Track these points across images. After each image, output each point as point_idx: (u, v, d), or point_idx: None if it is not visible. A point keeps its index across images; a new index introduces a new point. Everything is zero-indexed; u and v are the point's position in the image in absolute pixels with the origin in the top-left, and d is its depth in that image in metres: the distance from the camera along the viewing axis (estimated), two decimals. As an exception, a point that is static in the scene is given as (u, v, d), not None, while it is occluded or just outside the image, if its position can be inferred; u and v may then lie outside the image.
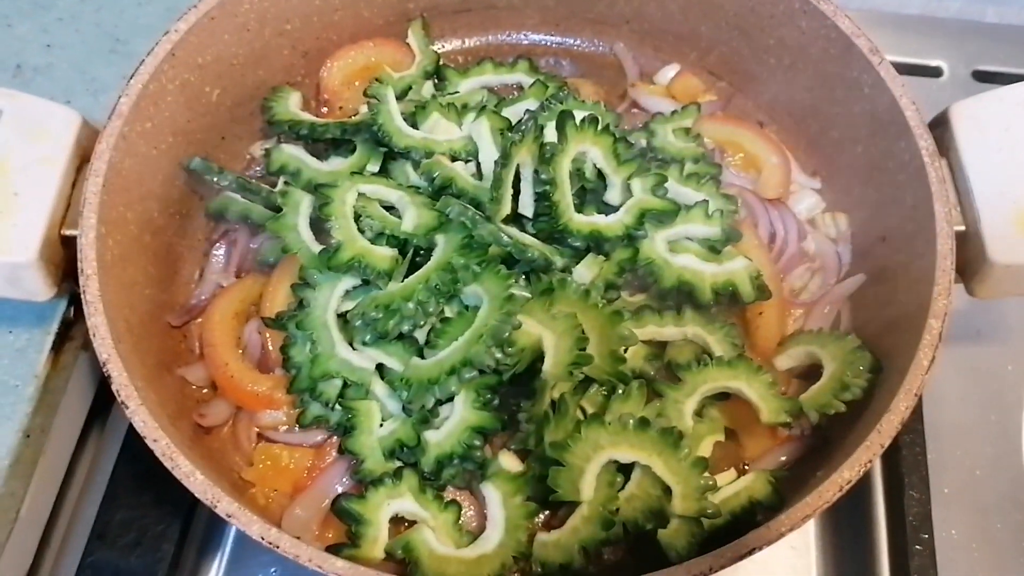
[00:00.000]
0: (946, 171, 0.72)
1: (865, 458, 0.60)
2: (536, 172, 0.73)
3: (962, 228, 0.70)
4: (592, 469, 0.64)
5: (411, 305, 0.66)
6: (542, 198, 0.72)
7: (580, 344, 0.66)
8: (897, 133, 0.72)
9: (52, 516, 0.76)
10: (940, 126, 0.74)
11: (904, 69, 0.99)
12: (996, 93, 0.73)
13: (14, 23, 0.91)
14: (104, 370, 0.62)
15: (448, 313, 0.69)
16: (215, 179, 0.77)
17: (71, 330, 0.76)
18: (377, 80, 0.86)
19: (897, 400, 0.61)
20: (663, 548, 0.64)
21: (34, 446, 0.72)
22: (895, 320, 0.70)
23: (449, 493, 0.69)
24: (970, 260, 0.70)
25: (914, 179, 0.71)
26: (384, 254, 0.68)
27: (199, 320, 0.77)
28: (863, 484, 0.77)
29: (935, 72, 1.00)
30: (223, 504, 0.58)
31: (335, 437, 0.71)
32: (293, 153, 0.80)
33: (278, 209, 0.72)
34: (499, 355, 0.64)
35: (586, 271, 0.71)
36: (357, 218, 0.69)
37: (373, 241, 0.69)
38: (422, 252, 0.70)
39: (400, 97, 0.85)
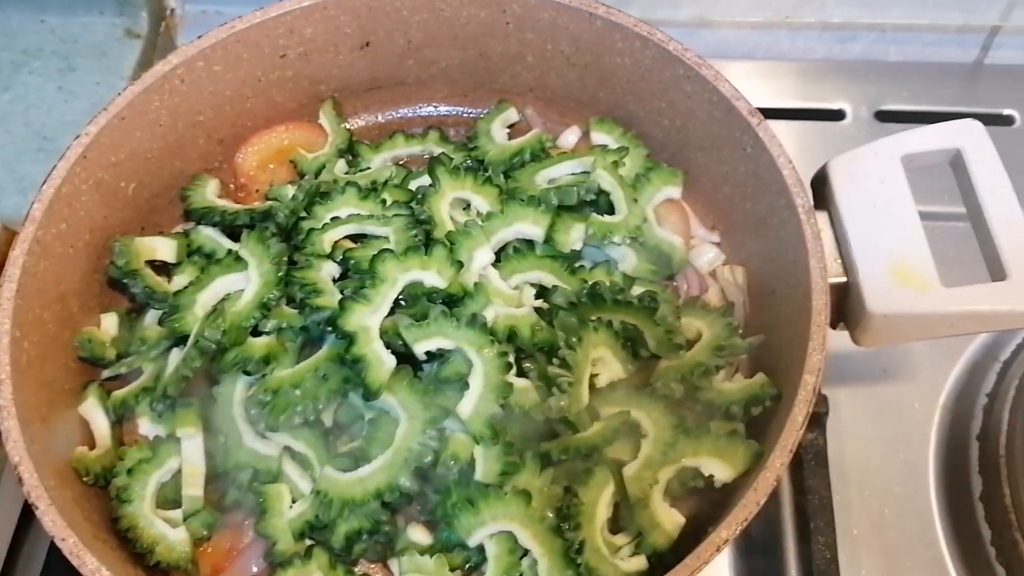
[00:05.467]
0: (826, 225, 0.74)
1: (742, 516, 0.62)
2: (412, 212, 0.77)
3: (843, 280, 0.73)
4: (489, 540, 0.67)
5: (298, 392, 0.69)
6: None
7: (508, 451, 0.68)
8: (777, 191, 0.75)
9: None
10: (821, 181, 0.77)
11: (807, 114, 1.04)
12: (872, 147, 0.76)
13: (-52, 127, 0.96)
14: (15, 473, 0.65)
15: (370, 415, 0.71)
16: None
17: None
18: (293, 162, 0.90)
19: (773, 457, 0.63)
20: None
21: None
22: (782, 374, 0.72)
23: (362, 567, 0.71)
24: (852, 311, 0.72)
25: (793, 235, 0.73)
26: (260, 342, 0.71)
27: (123, 409, 0.79)
28: (773, 530, 0.80)
29: (838, 115, 1.03)
30: (126, 600, 0.60)
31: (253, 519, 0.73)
32: (209, 235, 0.84)
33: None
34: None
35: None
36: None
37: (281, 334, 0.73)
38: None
39: (315, 176, 0.89)
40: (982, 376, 0.85)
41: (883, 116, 1.02)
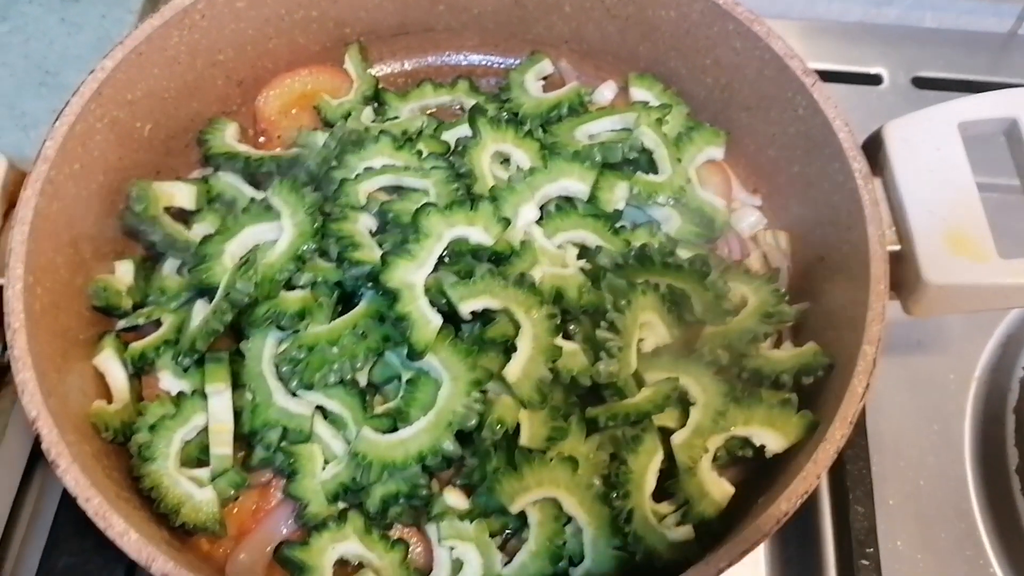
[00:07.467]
0: (880, 191, 0.72)
1: (802, 489, 0.60)
2: (451, 165, 0.74)
3: (897, 248, 0.71)
4: (532, 507, 0.64)
5: (335, 349, 0.65)
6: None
7: (554, 416, 0.66)
8: (831, 154, 0.73)
9: (-6, 566, 0.75)
10: (874, 145, 0.75)
11: (844, 77, 1.01)
12: (927, 112, 0.74)
13: (-61, 58, 0.89)
14: (33, 428, 0.61)
15: (408, 375, 0.67)
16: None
17: (7, 375, 0.75)
18: (316, 108, 0.85)
19: (833, 429, 0.62)
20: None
21: (-28, 496, 0.71)
22: (832, 343, 0.70)
23: (396, 532, 0.69)
24: (905, 280, 0.70)
25: (848, 200, 0.71)
26: (295, 296, 0.68)
27: (137, 361, 0.75)
28: (809, 499, 0.79)
29: (875, 80, 1.01)
30: (158, 563, 0.57)
31: (280, 478, 0.70)
32: (230, 182, 0.79)
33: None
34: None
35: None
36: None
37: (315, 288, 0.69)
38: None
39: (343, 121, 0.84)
40: (1017, 350, 0.84)
41: (921, 83, 1.00)
